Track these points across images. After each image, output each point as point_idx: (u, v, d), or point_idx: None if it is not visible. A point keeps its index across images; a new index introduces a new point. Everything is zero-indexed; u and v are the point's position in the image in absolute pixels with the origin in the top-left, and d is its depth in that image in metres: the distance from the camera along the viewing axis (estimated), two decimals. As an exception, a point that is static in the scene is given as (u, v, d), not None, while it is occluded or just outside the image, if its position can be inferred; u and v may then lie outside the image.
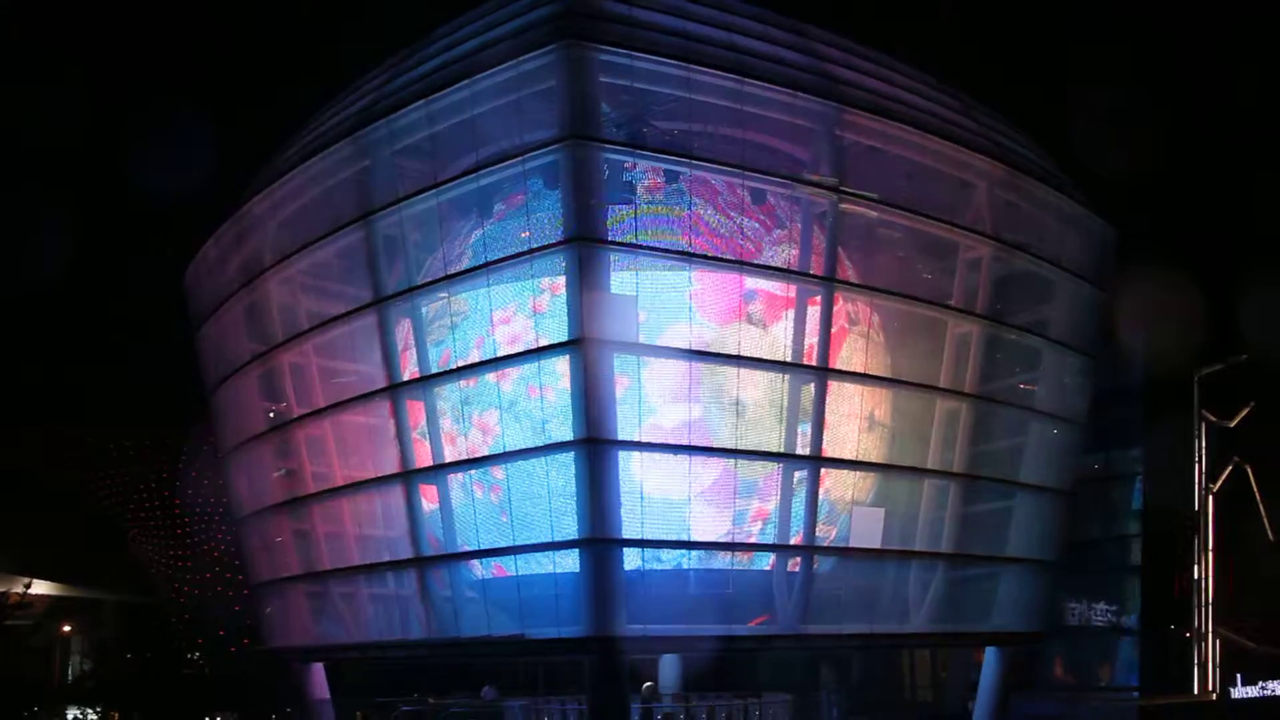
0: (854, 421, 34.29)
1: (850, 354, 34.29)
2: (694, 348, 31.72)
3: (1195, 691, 52.14)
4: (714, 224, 32.49)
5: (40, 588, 59.92)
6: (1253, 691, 51.98)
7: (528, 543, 31.90)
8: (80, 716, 61.40)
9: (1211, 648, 52.55)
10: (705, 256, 31.99)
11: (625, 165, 30.85)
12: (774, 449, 32.42)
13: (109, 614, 71.24)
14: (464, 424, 33.22)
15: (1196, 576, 52.86)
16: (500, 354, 32.11)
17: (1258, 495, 52.75)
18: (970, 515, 36.08)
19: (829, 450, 33.00)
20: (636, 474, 31.02)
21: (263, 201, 37.84)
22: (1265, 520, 52.57)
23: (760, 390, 32.61)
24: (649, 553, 31.34)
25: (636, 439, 30.79)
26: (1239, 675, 52.07)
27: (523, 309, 32.09)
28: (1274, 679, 52.08)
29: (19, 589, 55.38)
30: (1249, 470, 52.61)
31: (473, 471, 33.19)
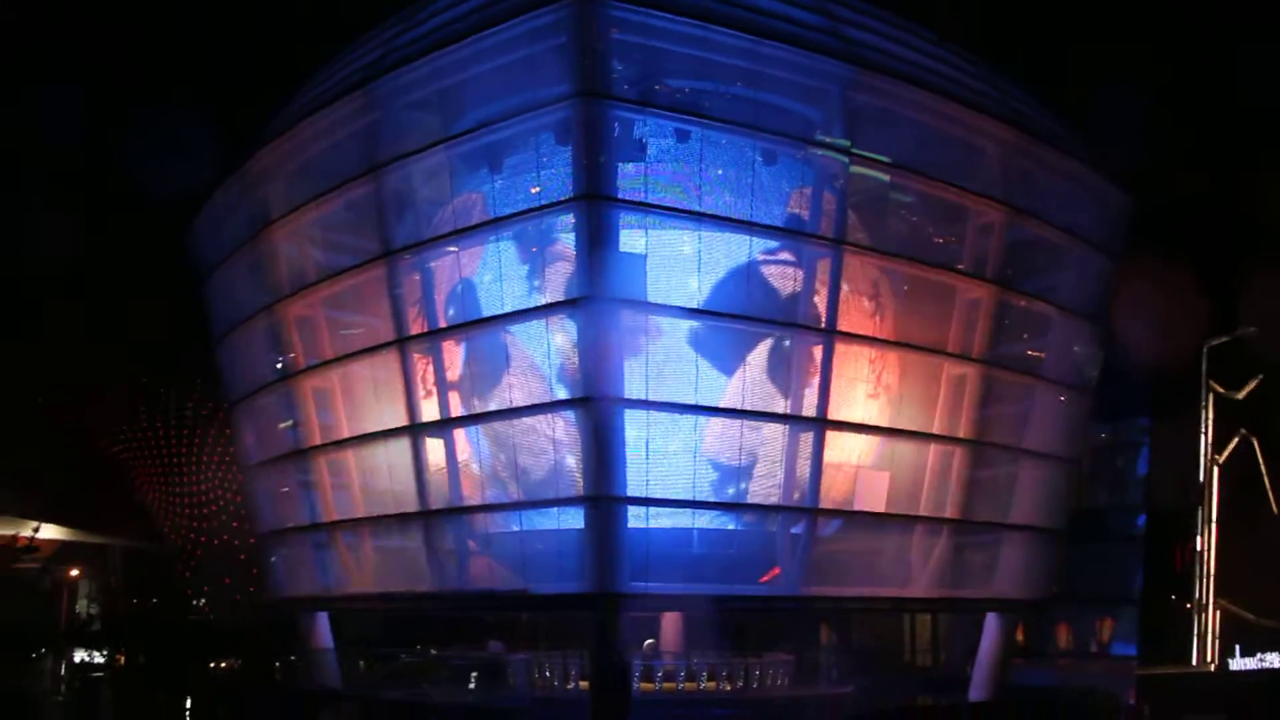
0: (860, 384, 34.24)
1: (858, 316, 34.21)
2: (702, 307, 31.66)
3: (1194, 662, 52.31)
4: (724, 184, 32.30)
5: (48, 532, 60.21)
6: (1251, 663, 52.16)
7: (533, 499, 32.04)
8: (87, 659, 61.99)
9: (1211, 619, 52.64)
10: (715, 216, 31.82)
11: (636, 123, 30.64)
12: (780, 410, 32.42)
13: (116, 559, 71.65)
14: (470, 379, 33.23)
15: (1199, 548, 52.84)
16: (508, 310, 32.08)
17: (1263, 468, 52.65)
18: (975, 481, 36.06)
19: (835, 413, 32.98)
20: (642, 432, 31.03)
21: (270, 153, 37.66)
22: (1270, 493, 52.51)
23: (768, 351, 32.57)
24: (653, 511, 31.42)
25: (643, 398, 30.76)
26: (1238, 647, 52.23)
27: (531, 265, 32.00)
28: (1272, 650, 52.26)
29: (28, 533, 55.70)
30: (1255, 442, 52.49)
31: (479, 427, 33.27)
